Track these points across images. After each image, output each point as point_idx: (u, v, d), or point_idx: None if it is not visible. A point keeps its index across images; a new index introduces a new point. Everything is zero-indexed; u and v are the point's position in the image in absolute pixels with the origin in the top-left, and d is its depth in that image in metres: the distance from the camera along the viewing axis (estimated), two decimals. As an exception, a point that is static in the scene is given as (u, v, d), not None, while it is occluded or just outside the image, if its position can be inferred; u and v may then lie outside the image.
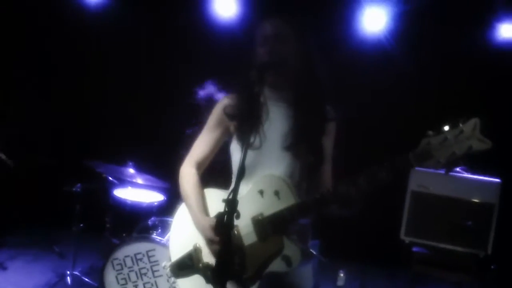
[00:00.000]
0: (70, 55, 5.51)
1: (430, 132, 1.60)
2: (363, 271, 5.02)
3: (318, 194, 1.80)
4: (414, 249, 3.80)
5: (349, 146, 2.98)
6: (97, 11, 5.42)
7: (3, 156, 4.24)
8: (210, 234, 1.87)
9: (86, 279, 4.08)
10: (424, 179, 3.77)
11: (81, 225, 4.14)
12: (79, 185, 4.07)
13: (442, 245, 3.68)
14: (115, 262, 3.40)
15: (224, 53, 4.89)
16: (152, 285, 3.36)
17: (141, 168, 3.93)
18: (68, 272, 4.09)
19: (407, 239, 3.80)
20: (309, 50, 1.98)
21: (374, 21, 4.95)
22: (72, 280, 4.06)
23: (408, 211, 3.82)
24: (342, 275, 4.54)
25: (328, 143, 2.03)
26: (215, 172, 2.25)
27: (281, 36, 1.92)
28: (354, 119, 4.29)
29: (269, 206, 1.86)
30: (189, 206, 2.04)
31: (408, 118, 4.77)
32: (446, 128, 1.58)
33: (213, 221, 1.83)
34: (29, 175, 5.36)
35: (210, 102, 3.35)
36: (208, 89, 3.59)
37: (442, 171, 1.65)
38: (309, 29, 2.04)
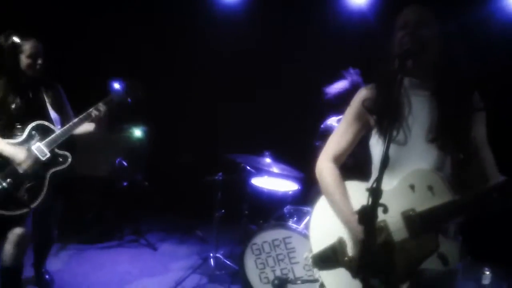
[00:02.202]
0: (200, 57, 5.80)
1: None
2: (510, 270, 4.62)
3: (481, 192, 1.65)
4: None
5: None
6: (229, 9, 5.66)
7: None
8: (360, 232, 1.73)
9: (228, 262, 4.28)
10: None
11: (222, 211, 4.39)
12: (220, 174, 4.33)
13: None
14: (254, 247, 3.53)
15: (358, 44, 4.81)
16: (288, 271, 3.43)
17: (277, 158, 4.03)
18: (211, 255, 4.33)
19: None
20: (450, 36, 1.85)
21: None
22: (215, 263, 4.30)
23: None
24: (488, 273, 4.22)
25: (481, 133, 1.85)
26: (349, 168, 2.17)
27: (422, 21, 1.82)
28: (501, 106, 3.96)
29: (422, 202, 1.73)
30: (333, 202, 1.98)
31: None
32: None
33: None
34: (178, 170, 5.84)
35: (342, 99, 3.29)
36: (341, 84, 3.52)
37: None
38: (449, 14, 1.91)
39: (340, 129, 2.08)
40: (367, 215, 1.49)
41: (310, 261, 2.05)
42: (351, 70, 3.48)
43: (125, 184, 5.15)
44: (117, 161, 4.92)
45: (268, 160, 4.01)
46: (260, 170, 4.25)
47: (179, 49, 5.97)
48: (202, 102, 5.93)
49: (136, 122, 5.45)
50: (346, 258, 1.89)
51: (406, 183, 1.79)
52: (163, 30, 5.87)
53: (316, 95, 3.62)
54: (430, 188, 1.73)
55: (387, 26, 1.98)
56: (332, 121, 3.59)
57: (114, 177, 5.12)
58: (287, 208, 3.78)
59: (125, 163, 4.93)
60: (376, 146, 1.94)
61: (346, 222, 1.91)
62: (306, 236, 3.26)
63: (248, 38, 5.56)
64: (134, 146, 5.38)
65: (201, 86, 5.90)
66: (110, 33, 5.63)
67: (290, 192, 4.13)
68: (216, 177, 4.31)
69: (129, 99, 3.36)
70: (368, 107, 1.95)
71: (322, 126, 3.65)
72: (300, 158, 3.52)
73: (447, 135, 1.79)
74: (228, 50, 5.64)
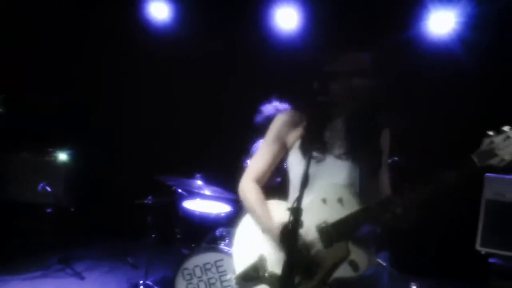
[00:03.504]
0: (135, 75, 5.77)
1: (491, 132, 1.63)
2: (436, 284, 4.82)
3: (381, 199, 1.82)
4: (491, 260, 3.61)
5: (412, 151, 2.92)
6: (164, 30, 5.65)
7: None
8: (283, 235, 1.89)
9: (158, 289, 4.18)
10: (499, 187, 3.59)
11: (153, 236, 4.28)
12: (150, 197, 4.23)
13: (521, 256, 3.47)
14: (185, 272, 3.47)
15: (286, 67, 4.93)
16: (220, 294, 3.39)
17: (209, 180, 4.02)
18: (141, 282, 4.20)
19: (483, 250, 3.63)
20: (370, 67, 2.01)
21: (441, 24, 4.83)
22: (145, 290, 4.18)
23: (484, 220, 3.65)
24: (414, 287, 4.37)
25: (385, 150, 2.06)
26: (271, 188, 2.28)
27: (353, 72, 1.95)
28: (415, 125, 4.20)
29: (333, 214, 1.88)
30: (256, 217, 2.08)
31: (470, 123, 4.57)
32: (507, 128, 1.61)
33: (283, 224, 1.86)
34: (103, 190, 5.66)
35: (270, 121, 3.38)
36: (268, 109, 3.62)
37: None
38: (373, 45, 2.08)
39: (260, 152, 2.20)
40: (288, 234, 1.52)
41: (234, 282, 2.13)
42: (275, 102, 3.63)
43: (49, 210, 4.92)
44: (40, 186, 4.67)
45: (199, 182, 3.99)
46: (191, 193, 4.21)
47: (109, 72, 5.85)
48: (131, 125, 5.84)
49: (61, 145, 5.23)
50: (266, 274, 1.97)
51: (319, 198, 1.93)
52: (95, 54, 5.80)
53: (245, 117, 3.67)
54: (340, 200, 1.90)
55: (312, 51, 2.08)
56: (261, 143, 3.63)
57: (38, 203, 4.86)
58: (219, 231, 3.75)
59: (49, 188, 4.69)
60: (294, 165, 2.07)
61: (268, 231, 2.00)
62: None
63: (178, 61, 5.57)
64: (59, 170, 5.14)
65: (130, 109, 5.84)
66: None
67: (222, 214, 4.11)
68: (146, 201, 4.20)
69: None
70: (290, 125, 2.09)
71: (252, 147, 3.68)
72: (231, 180, 3.52)
73: (358, 152, 1.97)
74: (158, 73, 5.68)
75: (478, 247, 3.64)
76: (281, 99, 3.61)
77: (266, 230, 2.02)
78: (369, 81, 1.97)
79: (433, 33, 4.90)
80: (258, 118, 3.61)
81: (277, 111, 3.45)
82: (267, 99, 3.65)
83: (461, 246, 4.01)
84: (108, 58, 5.77)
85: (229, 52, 5.48)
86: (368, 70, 1.98)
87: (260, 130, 3.55)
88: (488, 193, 3.65)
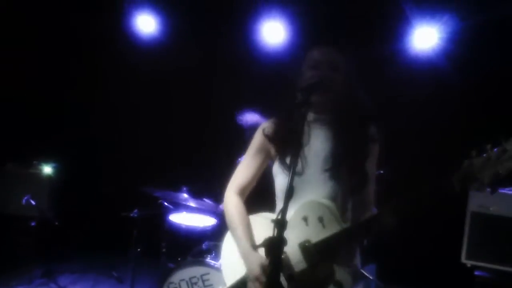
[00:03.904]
0: (122, 87, 5.74)
1: (473, 153, 1.56)
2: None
3: (362, 221, 1.79)
4: (476, 272, 3.63)
5: (395, 164, 2.94)
6: (150, 42, 5.65)
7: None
8: (258, 272, 1.85)
9: (144, 303, 4.14)
10: (484, 199, 3.63)
11: (138, 249, 4.23)
12: (136, 210, 4.19)
13: (505, 268, 3.50)
14: (171, 286, 3.42)
15: (272, 79, 4.95)
16: (207, 308, 3.36)
17: (195, 193, 4.00)
18: (126, 296, 4.18)
19: (468, 263, 3.65)
20: (354, 79, 2.00)
21: (425, 40, 4.90)
22: (130, 304, 4.12)
23: (469, 233, 3.68)
24: (400, 300, 4.38)
25: (371, 164, 1.98)
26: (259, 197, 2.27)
27: (333, 63, 1.95)
28: (399, 136, 4.24)
29: (315, 233, 1.84)
30: (237, 238, 2.04)
31: (453, 137, 4.63)
32: (488, 147, 1.53)
33: (261, 259, 1.83)
34: (88, 203, 5.60)
35: (254, 130, 3.39)
36: (251, 118, 3.63)
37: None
38: (356, 57, 2.05)
39: (244, 162, 2.18)
40: (273, 247, 1.50)
41: None
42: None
43: (33, 223, 4.84)
44: (24, 200, 4.60)
45: (185, 195, 3.96)
46: (178, 206, 4.17)
47: (96, 84, 5.83)
48: (117, 137, 5.81)
49: (45, 158, 5.18)
50: None
51: (300, 215, 1.89)
52: (83, 66, 5.80)
53: (232, 130, 3.67)
54: (320, 219, 1.85)
55: (295, 62, 2.07)
56: None
57: (22, 215, 4.79)
58: (205, 244, 3.72)
59: (33, 202, 4.63)
60: (277, 175, 2.03)
61: (246, 261, 1.96)
62: (224, 272, 3.20)
63: (164, 74, 5.60)
64: (44, 183, 5.08)
65: (116, 121, 5.82)
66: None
67: (209, 227, 4.09)
68: (132, 214, 4.16)
69: None
70: (269, 136, 2.06)
71: (239, 160, 3.67)
72: (218, 193, 3.51)
73: (341, 166, 1.91)
74: (145, 85, 5.68)
75: (463, 260, 3.66)
76: (263, 110, 3.61)
77: (244, 257, 1.98)
78: (341, 74, 1.94)
79: (417, 48, 4.97)
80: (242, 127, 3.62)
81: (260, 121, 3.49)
82: (251, 111, 3.66)
83: (447, 259, 4.03)
84: (95, 70, 5.75)
85: (215, 65, 5.50)
86: (342, 64, 1.95)
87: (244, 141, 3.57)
88: (472, 206, 3.68)
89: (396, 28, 4.93)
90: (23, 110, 5.48)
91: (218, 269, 3.32)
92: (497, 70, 4.62)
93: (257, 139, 2.13)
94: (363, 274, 3.48)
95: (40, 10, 5.48)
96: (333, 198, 1.90)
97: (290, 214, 1.87)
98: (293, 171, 1.64)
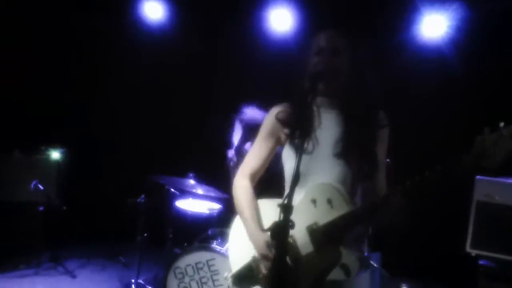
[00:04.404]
0: (129, 75, 5.75)
1: (486, 130, 1.55)
2: (426, 285, 4.84)
3: (370, 202, 1.79)
4: (481, 262, 3.63)
5: (403, 152, 2.93)
6: (157, 30, 5.64)
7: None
8: (265, 250, 1.88)
9: (150, 288, 4.17)
10: (490, 189, 3.61)
11: (145, 235, 4.27)
12: (142, 196, 4.23)
13: (510, 258, 3.49)
14: (177, 271, 3.47)
15: (279, 67, 4.94)
16: (212, 294, 3.39)
17: (201, 179, 4.02)
18: (133, 281, 4.20)
19: (473, 252, 3.64)
20: (361, 63, 1.99)
21: (433, 28, 4.85)
22: (136, 289, 4.17)
23: (474, 222, 3.66)
24: (405, 288, 4.39)
25: (381, 150, 1.99)
26: (268, 182, 2.28)
27: (337, 49, 1.95)
28: (408, 124, 4.22)
29: (323, 215, 1.84)
30: (244, 220, 2.06)
31: (461, 125, 4.60)
32: (501, 124, 1.53)
33: (268, 237, 1.82)
34: (96, 189, 5.65)
35: (252, 124, 3.39)
36: (251, 113, 3.62)
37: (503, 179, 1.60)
38: (363, 42, 2.05)
39: (255, 147, 2.17)
40: (279, 231, 1.52)
41: (230, 281, 2.09)
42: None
43: (41, 208, 4.89)
44: (32, 185, 4.65)
45: (192, 181, 3.99)
46: (184, 192, 4.20)
47: (103, 72, 5.86)
48: (125, 123, 5.85)
49: (53, 144, 5.21)
50: (261, 276, 1.94)
51: (308, 198, 1.89)
52: (90, 55, 5.82)
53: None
54: (329, 201, 1.85)
55: (302, 48, 2.07)
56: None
57: (30, 201, 4.84)
58: (211, 230, 3.75)
59: (41, 187, 4.67)
60: (287, 159, 2.04)
61: (253, 240, 1.98)
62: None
63: (171, 63, 5.59)
64: (52, 168, 5.11)
65: (124, 108, 5.83)
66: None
67: (215, 214, 4.11)
68: (139, 200, 4.20)
69: None
70: (281, 120, 2.06)
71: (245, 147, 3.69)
72: (224, 179, 3.53)
73: (351, 150, 1.92)
74: (152, 72, 5.67)
75: (468, 249, 3.66)
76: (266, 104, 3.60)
77: (251, 238, 2.00)
78: (348, 60, 1.95)
79: (425, 36, 4.92)
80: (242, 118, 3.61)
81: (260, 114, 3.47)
82: (257, 99, 3.66)
83: (452, 248, 4.03)
84: (103, 59, 5.77)
85: (222, 53, 5.48)
86: (346, 48, 1.95)
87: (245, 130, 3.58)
88: (478, 195, 3.66)
89: (404, 15, 4.88)
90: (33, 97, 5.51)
91: (223, 255, 3.35)
92: (507, 59, 4.59)
93: (269, 124, 2.12)
94: (369, 262, 3.50)
95: (40, 9, 5.47)
96: (343, 182, 1.92)
97: (299, 198, 1.90)
98: (300, 156, 1.65)
